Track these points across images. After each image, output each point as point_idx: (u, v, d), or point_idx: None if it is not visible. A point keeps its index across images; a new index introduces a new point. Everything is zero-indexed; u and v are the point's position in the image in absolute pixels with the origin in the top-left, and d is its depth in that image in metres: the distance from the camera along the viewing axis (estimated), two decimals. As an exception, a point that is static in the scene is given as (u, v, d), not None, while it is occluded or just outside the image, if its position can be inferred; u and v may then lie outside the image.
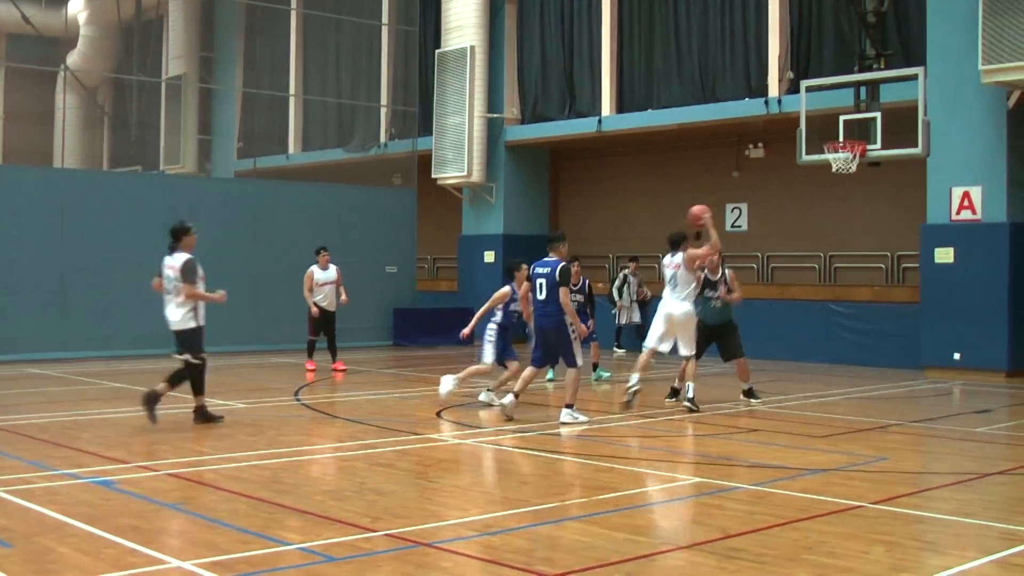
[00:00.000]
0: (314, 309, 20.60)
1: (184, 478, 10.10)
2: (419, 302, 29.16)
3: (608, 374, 19.81)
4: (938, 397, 17.85)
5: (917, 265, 22.04)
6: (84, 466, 10.63)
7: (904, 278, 23.74)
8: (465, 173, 28.41)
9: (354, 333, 26.84)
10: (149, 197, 24.54)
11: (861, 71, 21.06)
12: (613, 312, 25.33)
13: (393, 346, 27.27)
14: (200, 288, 13.52)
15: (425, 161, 29.28)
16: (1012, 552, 7.68)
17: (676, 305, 15.42)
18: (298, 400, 16.49)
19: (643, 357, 15.65)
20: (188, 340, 13.56)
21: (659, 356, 15.91)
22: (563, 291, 13.77)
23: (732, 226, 26.79)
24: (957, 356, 20.61)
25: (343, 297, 20.96)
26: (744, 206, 26.66)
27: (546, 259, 14.14)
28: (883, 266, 24.06)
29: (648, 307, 24.42)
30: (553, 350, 14.18)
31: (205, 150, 38.13)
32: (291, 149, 35.95)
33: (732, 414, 15.07)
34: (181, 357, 13.46)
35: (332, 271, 20.87)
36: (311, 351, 21.06)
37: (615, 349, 25.19)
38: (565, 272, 13.98)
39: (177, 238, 13.75)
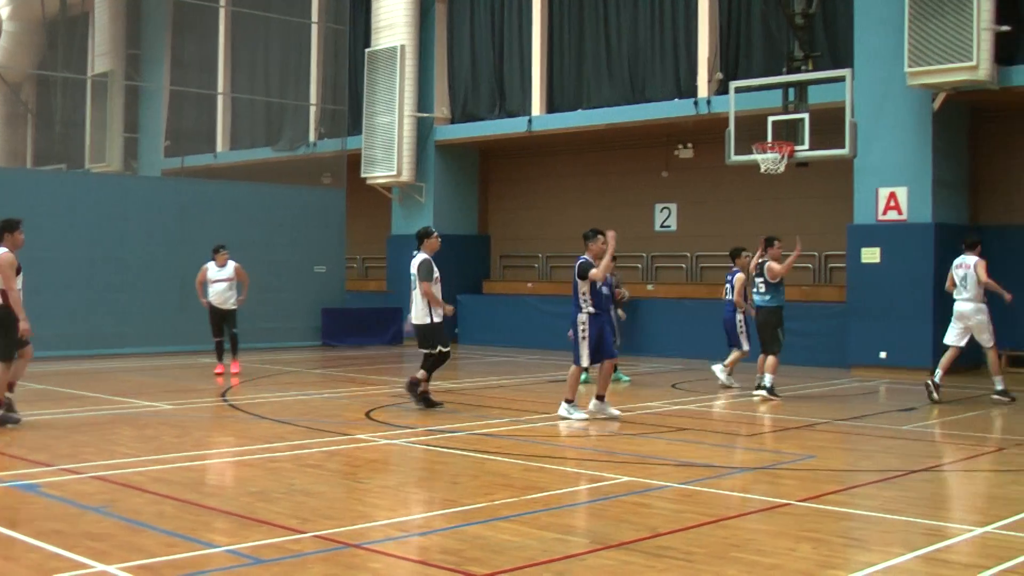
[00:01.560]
0: (203, 303, 20.19)
1: (109, 481, 9.96)
2: (348, 302, 29.03)
3: (627, 379, 19.53)
4: (864, 395, 18.03)
5: (844, 265, 22.26)
6: (6, 469, 10.47)
7: (831, 278, 23.98)
8: (395, 172, 28.30)
9: (282, 333, 26.71)
10: (74, 195, 24.24)
11: (789, 72, 21.24)
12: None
13: (322, 346, 27.11)
14: (436, 289, 14.94)
15: (355, 160, 29.14)
16: (937, 548, 7.76)
17: (966, 304, 16.68)
18: (226, 401, 16.35)
19: (947, 357, 16.71)
20: (425, 334, 15.12)
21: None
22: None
23: (661, 226, 26.92)
24: (883, 355, 20.84)
25: (240, 296, 20.19)
26: (673, 206, 26.78)
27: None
28: (811, 266, 24.27)
29: (626, 308, 22.53)
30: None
31: (132, 148, 37.69)
32: (219, 148, 35.61)
33: (661, 413, 15.13)
34: (424, 350, 15.20)
35: (229, 269, 20.11)
36: (219, 354, 20.42)
37: None
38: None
39: (420, 240, 15.29)
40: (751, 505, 9.07)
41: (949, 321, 19.80)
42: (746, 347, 18.41)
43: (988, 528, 8.33)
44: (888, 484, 10.21)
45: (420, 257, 15.00)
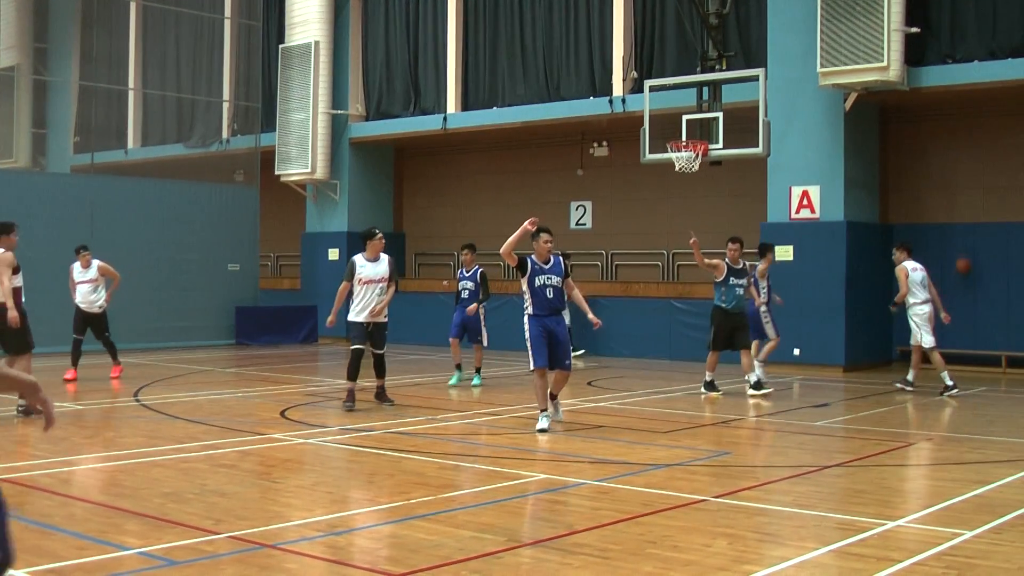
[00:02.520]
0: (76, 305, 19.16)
1: (17, 483, 9.75)
2: (262, 300, 28.80)
3: (479, 381, 18.31)
4: (778, 392, 18.19)
5: (758, 262, 22.41)
6: (-91, 471, 10.23)
7: (745, 276, 24.15)
8: (309, 170, 28.12)
9: (195, 332, 26.42)
10: (-21, 192, 23.78)
11: (703, 72, 21.43)
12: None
13: (235, 345, 26.86)
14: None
15: (268, 157, 28.91)
16: (849, 542, 7.84)
17: (928, 305, 16.99)
18: (137, 400, 16.12)
19: (939, 358, 17.06)
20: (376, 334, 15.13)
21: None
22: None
23: (576, 224, 27.00)
24: (797, 352, 21.07)
25: (105, 296, 19.17)
26: (588, 204, 26.87)
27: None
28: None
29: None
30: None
31: (39, 144, 37.08)
32: (130, 144, 35.17)
33: (577, 411, 15.15)
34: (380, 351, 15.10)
35: (93, 270, 19.14)
36: (74, 357, 18.96)
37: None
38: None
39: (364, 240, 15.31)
40: (666, 501, 9.10)
41: (861, 319, 20.20)
42: (776, 336, 18.39)
43: (900, 522, 8.43)
44: (802, 479, 10.31)
45: (385, 258, 15.07)
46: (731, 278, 16.86)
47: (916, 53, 20.05)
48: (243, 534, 7.92)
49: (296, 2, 28.48)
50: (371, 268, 14.98)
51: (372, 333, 14.93)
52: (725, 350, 17.02)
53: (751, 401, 16.38)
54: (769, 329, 18.20)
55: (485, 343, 18.57)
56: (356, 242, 28.34)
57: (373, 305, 14.78)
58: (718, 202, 24.56)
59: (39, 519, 8.38)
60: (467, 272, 18.58)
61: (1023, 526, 8.40)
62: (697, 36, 22.65)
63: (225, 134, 32.03)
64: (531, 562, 7.28)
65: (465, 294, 18.46)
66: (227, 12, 32.07)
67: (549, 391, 13.28)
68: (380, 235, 15.29)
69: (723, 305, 16.83)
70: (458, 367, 18.49)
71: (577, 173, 26.92)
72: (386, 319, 15.14)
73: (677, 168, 20.83)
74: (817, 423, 14.20)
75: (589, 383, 19.04)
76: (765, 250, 18.50)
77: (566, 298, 13.40)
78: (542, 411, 13.03)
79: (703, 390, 17.10)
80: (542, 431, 12.80)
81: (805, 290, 20.98)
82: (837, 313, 20.78)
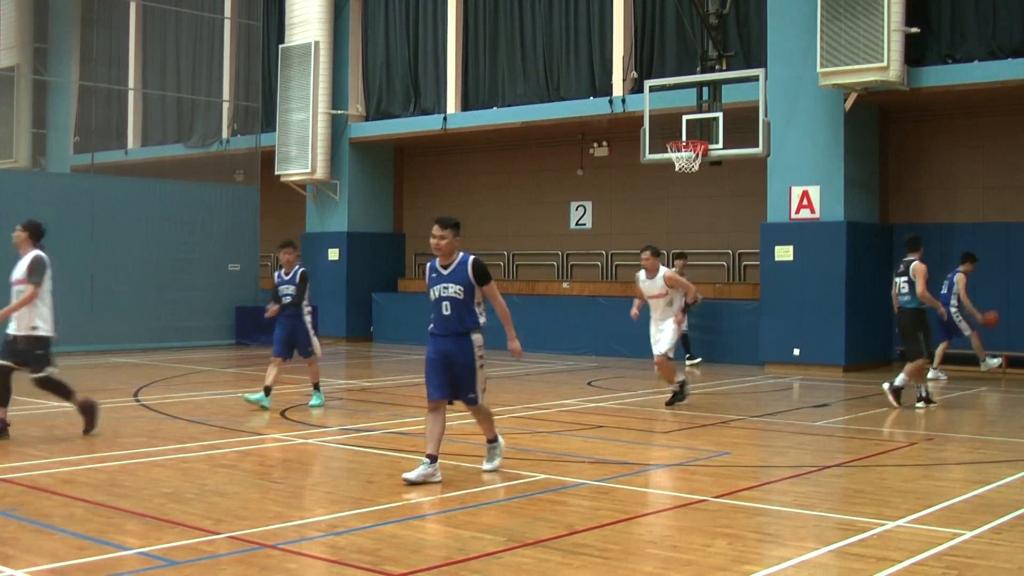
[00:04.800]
0: None
1: (17, 483, 9.76)
2: (262, 300, 28.73)
3: (318, 402, 15.58)
4: (778, 392, 18.20)
5: (758, 263, 22.46)
6: (-91, 471, 10.23)
7: (745, 276, 24.19)
8: (309, 170, 28.11)
9: (195, 332, 26.42)
10: (-21, 192, 23.79)
11: (703, 72, 21.42)
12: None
13: (235, 345, 26.86)
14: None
15: (268, 157, 28.91)
16: (849, 542, 7.84)
17: None
18: (137, 401, 16.12)
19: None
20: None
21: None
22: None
23: (576, 224, 27.00)
24: (796, 352, 21.08)
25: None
26: (588, 204, 26.87)
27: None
28: (724, 264, 24.47)
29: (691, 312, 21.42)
30: None
31: (39, 144, 37.09)
32: (130, 144, 35.17)
33: (576, 411, 15.14)
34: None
35: None
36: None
37: (686, 361, 22.03)
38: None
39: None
40: (666, 502, 9.11)
41: (861, 319, 20.20)
42: (969, 331, 18.53)
43: (900, 522, 8.43)
44: (801, 480, 10.31)
45: (30, 257, 12.51)
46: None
47: (916, 53, 20.05)
48: (243, 534, 7.92)
49: (296, 2, 28.48)
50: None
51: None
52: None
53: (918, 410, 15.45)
54: (966, 324, 18.63)
55: (319, 354, 15.55)
56: (357, 242, 28.61)
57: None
58: (718, 202, 24.56)
59: (39, 519, 8.38)
60: (286, 275, 15.61)
61: (1023, 526, 8.40)
62: (697, 36, 22.64)
63: (225, 134, 32.03)
64: (531, 562, 7.28)
65: (287, 301, 15.43)
66: (227, 12, 32.07)
67: (448, 433, 10.78)
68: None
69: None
70: (267, 389, 15.04)
71: (577, 173, 26.92)
72: (35, 331, 12.16)
73: (677, 168, 20.83)
74: (817, 423, 14.19)
75: (589, 383, 19.03)
76: (966, 258, 19.04)
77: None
78: (427, 456, 9.91)
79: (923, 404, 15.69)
80: (409, 482, 9.73)
81: (805, 290, 20.99)
82: (837, 313, 20.77)
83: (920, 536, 8.06)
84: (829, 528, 8.41)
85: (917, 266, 15.43)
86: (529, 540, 7.84)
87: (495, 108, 26.26)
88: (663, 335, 15.36)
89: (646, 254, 15.25)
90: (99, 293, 24.64)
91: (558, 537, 7.88)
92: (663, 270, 15.28)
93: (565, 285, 26.30)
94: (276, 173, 28.86)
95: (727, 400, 16.80)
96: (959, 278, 18.91)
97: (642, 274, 15.40)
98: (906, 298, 15.48)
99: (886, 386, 15.61)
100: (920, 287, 15.30)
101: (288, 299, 15.35)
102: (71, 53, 36.76)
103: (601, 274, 26.46)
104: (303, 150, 28.19)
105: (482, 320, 10.23)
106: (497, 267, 27.62)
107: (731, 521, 8.51)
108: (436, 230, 10.12)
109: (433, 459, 9.86)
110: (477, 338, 10.10)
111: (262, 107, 30.10)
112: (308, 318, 15.43)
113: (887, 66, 19.17)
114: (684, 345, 21.75)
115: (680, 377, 15.72)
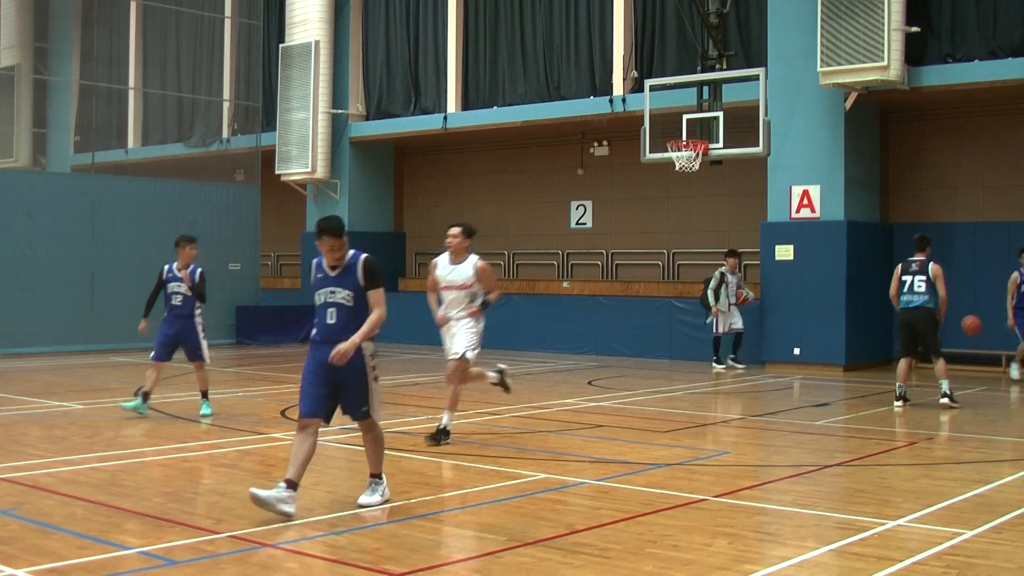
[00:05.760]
0: None
1: (18, 483, 9.76)
2: (262, 300, 28.80)
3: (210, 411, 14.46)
4: (779, 391, 18.21)
5: (758, 262, 22.46)
6: (-90, 470, 10.22)
7: (745, 275, 24.15)
8: (309, 169, 28.11)
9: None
10: (-21, 191, 23.81)
11: (704, 71, 21.42)
12: (708, 320, 21.62)
13: (236, 344, 26.86)
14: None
15: (269, 157, 28.91)
16: (849, 541, 7.84)
17: None
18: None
19: None
20: None
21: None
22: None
23: (577, 223, 27.00)
24: (797, 351, 21.08)
25: None
26: (589, 203, 26.86)
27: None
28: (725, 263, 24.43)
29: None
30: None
31: (40, 144, 37.08)
32: (130, 143, 35.17)
33: (577, 410, 15.15)
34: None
35: None
36: None
37: (714, 365, 21.57)
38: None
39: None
40: (667, 501, 9.10)
41: (861, 318, 20.21)
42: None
43: (900, 521, 8.43)
44: (802, 479, 10.31)
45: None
46: None
47: (916, 52, 20.05)
48: (243, 534, 7.92)
49: (296, 2, 28.48)
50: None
51: None
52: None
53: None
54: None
55: (207, 359, 14.60)
56: (357, 242, 28.51)
57: None
58: (718, 202, 24.56)
59: (40, 519, 8.37)
60: (179, 270, 14.56)
61: (1023, 526, 8.40)
62: (697, 35, 22.65)
63: (225, 134, 32.03)
64: (531, 561, 7.28)
65: (178, 300, 14.36)
66: (227, 12, 32.07)
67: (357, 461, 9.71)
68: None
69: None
70: (146, 395, 14.21)
71: (577, 173, 26.92)
72: None
73: (677, 168, 20.83)
74: (817, 423, 14.19)
75: (589, 382, 19.03)
76: None
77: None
78: (285, 480, 8.50)
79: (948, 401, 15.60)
80: (255, 498, 8.38)
81: (805, 290, 21.00)
82: (837, 313, 20.77)
83: (920, 535, 8.06)
84: (829, 527, 8.42)
85: (937, 268, 15.48)
86: (529, 540, 7.84)
87: (495, 107, 26.26)
88: (458, 334, 12.53)
89: (455, 231, 12.23)
90: (99, 293, 24.62)
91: (558, 537, 7.89)
92: (474, 257, 12.33)
93: (565, 285, 26.30)
94: (276, 172, 28.87)
95: (727, 399, 16.80)
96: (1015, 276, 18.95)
97: (443, 258, 12.43)
98: (924, 297, 15.40)
99: (944, 400, 15.38)
100: (943, 290, 15.40)
101: (179, 299, 14.30)
102: (71, 52, 36.76)
103: (601, 273, 26.46)
104: (303, 149, 28.19)
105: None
106: (497, 267, 27.62)
107: (731, 520, 8.51)
108: (331, 242, 8.92)
109: (291, 485, 8.46)
110: (368, 346, 8.98)
111: (262, 107, 30.10)
112: (200, 319, 14.49)
113: (887, 65, 19.17)
114: (722, 347, 21.46)
115: (491, 373, 13.06)
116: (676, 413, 15.01)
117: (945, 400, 15.37)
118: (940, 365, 15.44)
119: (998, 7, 19.79)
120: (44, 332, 24.19)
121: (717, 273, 21.42)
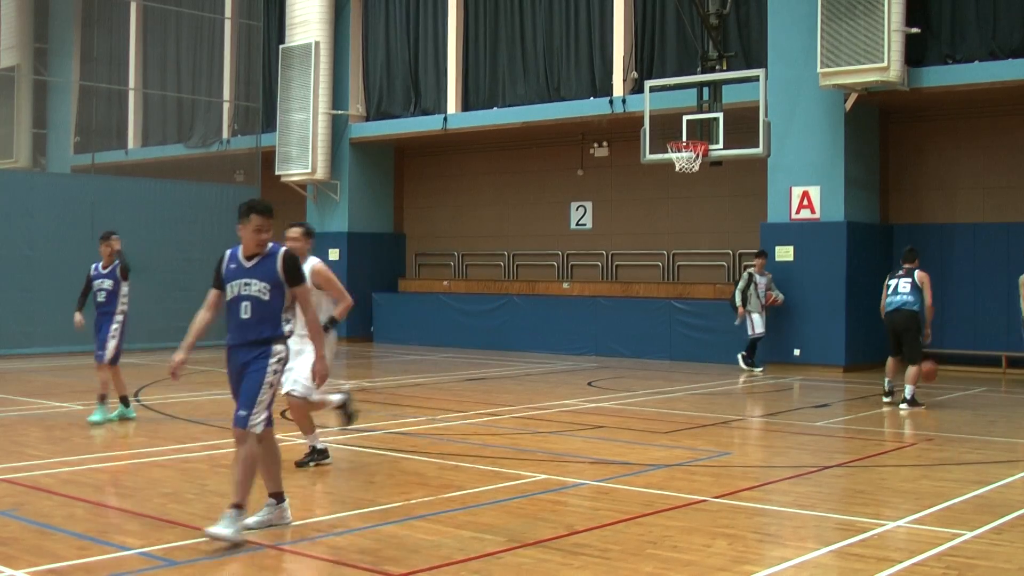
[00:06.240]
0: None
1: (17, 483, 9.75)
2: (263, 300, 28.74)
3: (134, 414, 14.34)
4: (779, 392, 18.21)
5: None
6: (-90, 471, 10.22)
7: (744, 276, 24.18)
8: (309, 170, 28.10)
9: (196, 332, 26.38)
10: (-21, 192, 23.82)
11: (704, 72, 21.41)
12: (737, 323, 21.28)
13: (236, 345, 26.80)
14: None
15: (268, 158, 28.90)
16: (849, 542, 7.84)
17: None
18: (138, 401, 16.11)
19: None
20: None
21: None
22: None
23: (577, 224, 26.99)
24: (797, 352, 21.08)
25: None
26: (589, 204, 26.86)
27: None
28: (725, 264, 24.46)
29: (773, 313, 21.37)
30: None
31: (40, 144, 37.09)
32: (130, 144, 35.15)
33: (577, 411, 15.14)
34: None
35: None
36: None
37: (752, 368, 21.08)
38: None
39: None
40: (667, 502, 9.10)
41: (861, 319, 20.19)
42: None
43: (900, 522, 8.43)
44: (801, 480, 10.31)
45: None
46: None
47: (916, 53, 20.05)
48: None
49: (296, 2, 28.47)
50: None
51: None
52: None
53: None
54: None
55: (108, 358, 14.05)
56: (357, 242, 28.59)
57: None
58: (718, 202, 24.56)
59: (40, 519, 8.38)
60: (104, 268, 14.23)
61: (1023, 526, 8.40)
62: (697, 36, 22.64)
63: (225, 134, 32.02)
64: (531, 562, 7.28)
65: (102, 297, 14.06)
66: (227, 12, 32.06)
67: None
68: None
69: None
70: (103, 399, 13.93)
71: (577, 173, 26.92)
72: None
73: (677, 168, 20.83)
74: (817, 423, 14.20)
75: (589, 383, 19.02)
76: None
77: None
78: (233, 505, 7.82)
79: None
80: (216, 535, 7.63)
81: (805, 290, 21.01)
82: (837, 313, 20.77)
83: (920, 536, 8.06)
84: (829, 528, 8.42)
85: (923, 275, 15.64)
86: (529, 540, 7.84)
87: (495, 108, 26.26)
88: (299, 361, 10.94)
89: (295, 232, 11.53)
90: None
91: (558, 537, 7.89)
92: (314, 260, 11.31)
93: (565, 285, 26.30)
94: (276, 173, 28.85)
95: (727, 400, 16.80)
96: None
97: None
98: (908, 298, 15.47)
99: (904, 406, 15.36)
100: (929, 297, 15.53)
101: (103, 295, 13.90)
102: (71, 53, 36.76)
103: (601, 274, 26.45)
104: (303, 150, 28.18)
105: (287, 328, 8.61)
106: (497, 267, 27.65)
107: (731, 521, 8.51)
108: (259, 218, 8.45)
109: (277, 498, 8.29)
110: (278, 349, 8.31)
111: (262, 107, 30.09)
112: (119, 317, 14.02)
113: (887, 66, 19.18)
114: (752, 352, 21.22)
115: (336, 398, 11.79)
116: (676, 414, 15.01)
117: (904, 406, 15.36)
118: (912, 371, 15.46)
119: (998, 8, 19.79)
120: (43, 333, 24.19)
121: (745, 274, 21.27)
